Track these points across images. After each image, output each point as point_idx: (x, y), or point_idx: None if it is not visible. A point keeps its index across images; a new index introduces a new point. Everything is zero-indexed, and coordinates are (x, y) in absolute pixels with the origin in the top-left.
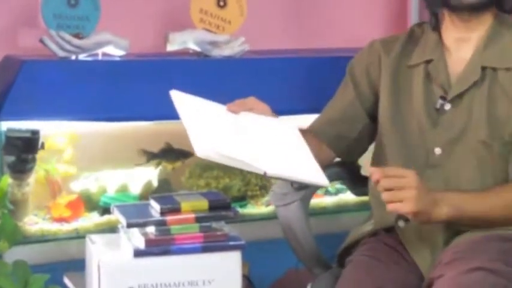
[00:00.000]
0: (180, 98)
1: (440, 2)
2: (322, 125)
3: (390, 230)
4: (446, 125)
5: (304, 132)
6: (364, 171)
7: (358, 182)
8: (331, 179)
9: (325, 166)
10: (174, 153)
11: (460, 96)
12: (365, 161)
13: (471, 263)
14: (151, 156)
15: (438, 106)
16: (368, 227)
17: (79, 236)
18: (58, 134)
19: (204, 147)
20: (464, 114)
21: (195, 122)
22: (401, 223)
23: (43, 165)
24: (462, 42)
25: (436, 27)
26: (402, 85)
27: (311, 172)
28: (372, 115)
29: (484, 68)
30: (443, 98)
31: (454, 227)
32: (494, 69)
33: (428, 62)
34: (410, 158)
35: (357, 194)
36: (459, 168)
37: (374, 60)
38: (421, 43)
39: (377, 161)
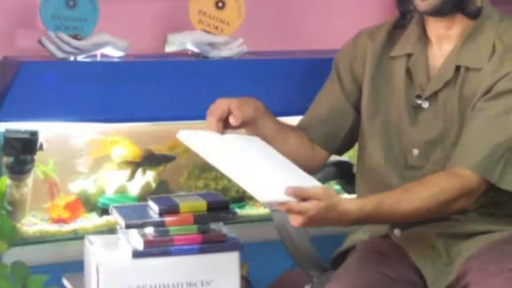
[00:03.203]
0: (194, 141)
1: (409, 4)
2: (312, 126)
3: (386, 236)
4: (424, 125)
5: (296, 130)
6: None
7: (351, 181)
8: (326, 179)
9: (321, 167)
10: (155, 158)
11: (435, 94)
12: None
13: (504, 265)
14: (135, 167)
15: (415, 104)
16: (363, 235)
17: (78, 237)
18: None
19: (268, 193)
20: (441, 114)
21: (236, 167)
22: (397, 231)
23: (41, 167)
24: (442, 39)
25: (404, 26)
26: (384, 77)
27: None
28: (359, 110)
29: (458, 67)
30: (419, 96)
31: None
32: (467, 69)
33: (409, 55)
34: (390, 158)
35: (350, 192)
36: (438, 170)
37: (358, 54)
38: (405, 33)
39: (361, 160)
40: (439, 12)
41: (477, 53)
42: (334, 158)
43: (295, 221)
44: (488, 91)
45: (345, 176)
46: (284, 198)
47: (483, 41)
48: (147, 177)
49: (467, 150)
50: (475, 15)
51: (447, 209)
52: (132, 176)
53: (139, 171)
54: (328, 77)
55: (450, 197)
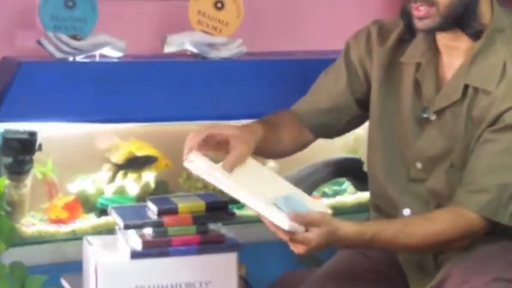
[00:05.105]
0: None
1: (411, 19)
2: (310, 114)
3: None
4: (428, 140)
5: (288, 112)
6: (366, 167)
7: (361, 178)
8: (335, 175)
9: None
10: (139, 161)
11: (442, 110)
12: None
13: (486, 275)
14: (116, 168)
15: (421, 117)
16: None
17: (76, 237)
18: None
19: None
20: (447, 131)
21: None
22: None
23: (40, 167)
24: (452, 50)
25: (409, 39)
26: (393, 81)
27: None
28: (363, 104)
29: (467, 85)
30: (426, 109)
31: None
32: (476, 89)
33: (418, 64)
34: (390, 170)
35: (360, 189)
36: (441, 187)
37: (369, 51)
38: (417, 38)
39: (368, 162)
40: (438, 30)
41: (487, 72)
42: (343, 155)
43: (297, 249)
44: (495, 121)
45: (355, 173)
46: (288, 224)
47: (493, 59)
48: (146, 177)
49: (472, 191)
50: (477, 36)
51: (446, 248)
52: (112, 179)
53: (120, 174)
54: (337, 63)
55: (451, 237)
